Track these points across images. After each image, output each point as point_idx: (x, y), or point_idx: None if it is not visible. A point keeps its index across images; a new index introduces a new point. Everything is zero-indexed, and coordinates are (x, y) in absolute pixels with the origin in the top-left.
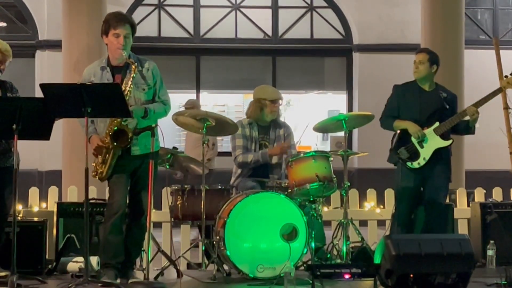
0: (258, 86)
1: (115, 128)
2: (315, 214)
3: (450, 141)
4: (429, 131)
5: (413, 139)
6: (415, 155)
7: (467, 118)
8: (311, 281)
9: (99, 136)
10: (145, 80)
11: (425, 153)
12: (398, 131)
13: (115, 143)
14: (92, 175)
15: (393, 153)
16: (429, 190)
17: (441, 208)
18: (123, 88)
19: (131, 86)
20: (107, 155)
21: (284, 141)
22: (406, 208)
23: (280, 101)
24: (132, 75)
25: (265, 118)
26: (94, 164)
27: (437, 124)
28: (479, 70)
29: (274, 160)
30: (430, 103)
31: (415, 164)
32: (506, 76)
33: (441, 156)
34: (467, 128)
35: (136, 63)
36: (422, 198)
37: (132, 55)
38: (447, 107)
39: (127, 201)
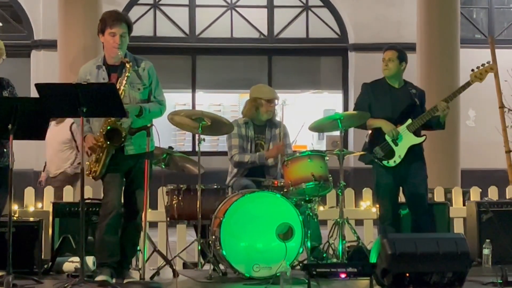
0: (254, 85)
1: (109, 127)
2: (311, 214)
3: (423, 138)
4: (402, 129)
5: (387, 138)
6: (390, 154)
7: (438, 113)
8: (307, 281)
9: (94, 135)
10: (140, 80)
11: (400, 151)
12: (371, 130)
13: (108, 142)
14: (86, 174)
15: (368, 153)
16: (410, 189)
17: (425, 205)
18: (117, 88)
19: (126, 85)
20: (101, 154)
21: (280, 140)
22: (389, 207)
23: (276, 101)
24: (126, 75)
25: (261, 118)
26: (88, 163)
27: (409, 121)
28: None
29: (271, 162)
30: (401, 100)
31: (391, 163)
32: (472, 70)
33: (416, 154)
34: (438, 124)
35: (131, 62)
36: (405, 198)
37: (128, 55)
38: (418, 103)
39: (122, 201)
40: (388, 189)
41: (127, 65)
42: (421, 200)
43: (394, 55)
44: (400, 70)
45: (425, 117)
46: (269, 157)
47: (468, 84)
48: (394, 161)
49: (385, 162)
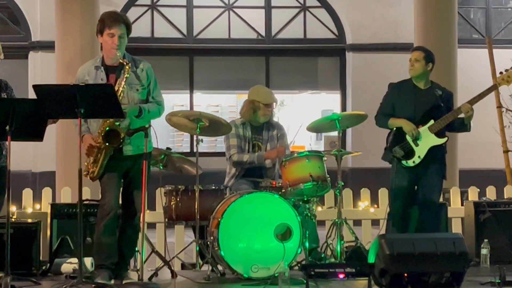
0: (253, 86)
1: (107, 128)
2: (309, 214)
3: (445, 139)
4: (423, 129)
5: (408, 138)
6: (410, 154)
7: (461, 115)
8: (305, 281)
9: (92, 136)
10: (139, 81)
11: (420, 151)
12: (393, 129)
13: (107, 144)
14: (84, 174)
15: (388, 151)
16: (423, 189)
17: (434, 207)
18: (116, 89)
19: (124, 86)
20: (99, 155)
21: (278, 141)
22: (400, 206)
23: (274, 104)
24: (125, 76)
25: (258, 120)
26: (86, 163)
27: (431, 122)
28: (472, 69)
29: (269, 164)
30: (425, 101)
31: (410, 163)
32: (501, 73)
33: (436, 154)
34: (462, 126)
35: (130, 63)
36: (416, 197)
37: (126, 55)
38: (442, 105)
39: (120, 202)
40: (401, 190)
41: (126, 66)
42: (432, 203)
43: (421, 56)
44: (426, 71)
45: (448, 118)
46: (268, 158)
47: (494, 87)
48: (414, 161)
49: (404, 162)
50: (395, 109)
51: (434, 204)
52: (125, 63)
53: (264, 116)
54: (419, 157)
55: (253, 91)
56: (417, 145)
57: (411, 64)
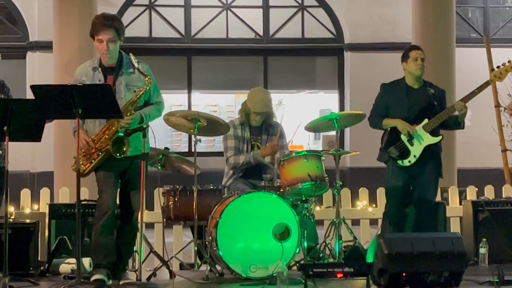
0: (253, 88)
1: (120, 134)
2: (307, 214)
3: (439, 138)
4: (418, 128)
5: (402, 137)
6: (405, 153)
7: (455, 113)
8: (303, 281)
9: (86, 134)
10: (137, 82)
11: (415, 150)
12: (388, 129)
13: (114, 151)
14: (73, 168)
15: (383, 152)
16: (419, 188)
17: (431, 206)
18: (136, 95)
19: (141, 96)
20: (95, 155)
21: (277, 143)
22: (395, 206)
23: (275, 105)
24: (146, 88)
25: (252, 123)
26: (78, 158)
27: (426, 121)
28: (470, 68)
29: (267, 159)
30: (418, 100)
31: (406, 162)
32: (492, 70)
33: (431, 153)
34: (456, 123)
35: (148, 76)
36: (412, 196)
37: (124, 56)
38: (435, 103)
39: (117, 202)
40: (396, 190)
41: (146, 78)
42: (428, 201)
43: (424, 55)
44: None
45: (442, 116)
46: (264, 155)
47: (487, 84)
48: (409, 161)
49: (399, 162)
50: (388, 110)
51: (430, 203)
52: (143, 75)
53: (255, 121)
54: (414, 156)
55: (250, 94)
56: (412, 144)
57: (420, 63)
